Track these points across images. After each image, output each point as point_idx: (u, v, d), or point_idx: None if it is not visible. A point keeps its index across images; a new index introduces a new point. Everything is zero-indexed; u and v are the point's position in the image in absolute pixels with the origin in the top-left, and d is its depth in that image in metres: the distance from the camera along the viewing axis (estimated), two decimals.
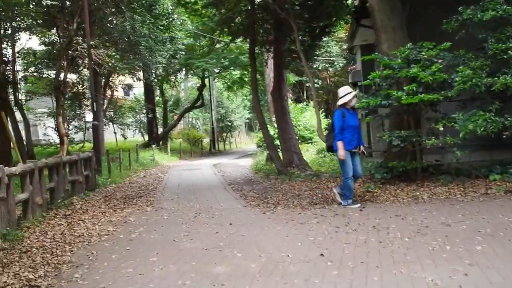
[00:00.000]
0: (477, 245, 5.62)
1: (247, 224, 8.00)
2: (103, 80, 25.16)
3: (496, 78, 9.16)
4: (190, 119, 52.82)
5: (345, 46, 27.26)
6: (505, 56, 9.43)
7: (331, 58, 30.91)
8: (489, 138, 9.39)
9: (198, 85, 39.55)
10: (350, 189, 9.00)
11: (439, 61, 9.95)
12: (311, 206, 9.33)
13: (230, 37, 21.02)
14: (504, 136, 9.23)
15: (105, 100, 26.91)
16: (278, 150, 17.23)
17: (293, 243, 6.40)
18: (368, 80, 10.79)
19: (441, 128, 9.66)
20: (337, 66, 31.55)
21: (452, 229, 6.56)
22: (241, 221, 8.26)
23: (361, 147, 9.24)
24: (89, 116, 22.97)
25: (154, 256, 6.13)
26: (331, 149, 9.29)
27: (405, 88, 9.78)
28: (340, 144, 8.81)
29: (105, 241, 7.21)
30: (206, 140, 42.02)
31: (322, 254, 5.69)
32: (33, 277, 5.29)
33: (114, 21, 19.95)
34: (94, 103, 15.77)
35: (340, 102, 9.14)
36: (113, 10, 19.04)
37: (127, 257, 6.16)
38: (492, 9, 9.62)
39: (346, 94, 9.10)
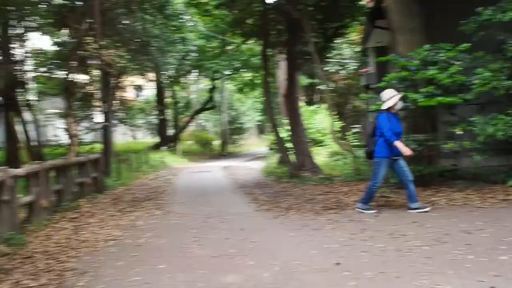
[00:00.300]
0: (502, 255, 5.36)
1: (259, 229, 7.75)
2: (114, 81, 25.09)
3: None
4: (201, 121, 52.74)
5: (357, 49, 27.06)
6: None
7: (344, 60, 30.69)
8: (506, 143, 9.13)
9: (209, 87, 39.43)
10: (372, 196, 8.70)
11: (457, 63, 9.66)
12: (324, 211, 9.05)
13: (242, 39, 20.82)
14: None
15: (116, 101, 26.83)
16: (290, 153, 16.99)
17: (308, 251, 6.15)
18: (383, 82, 10.51)
19: (461, 132, 9.38)
20: (349, 68, 31.34)
21: (473, 237, 6.29)
22: (253, 227, 8.00)
23: None
24: (99, 117, 22.89)
25: (162, 263, 5.89)
26: (371, 155, 8.75)
27: (422, 90, 9.50)
28: (399, 144, 8.32)
29: (111, 247, 6.99)
30: (217, 142, 41.93)
31: (338, 263, 5.44)
32: (34, 285, 5.10)
33: (125, 22, 19.83)
34: (104, 104, 15.64)
35: (385, 106, 8.63)
36: (124, 10, 18.92)
37: (134, 264, 5.93)
38: None
39: (391, 97, 8.60)
